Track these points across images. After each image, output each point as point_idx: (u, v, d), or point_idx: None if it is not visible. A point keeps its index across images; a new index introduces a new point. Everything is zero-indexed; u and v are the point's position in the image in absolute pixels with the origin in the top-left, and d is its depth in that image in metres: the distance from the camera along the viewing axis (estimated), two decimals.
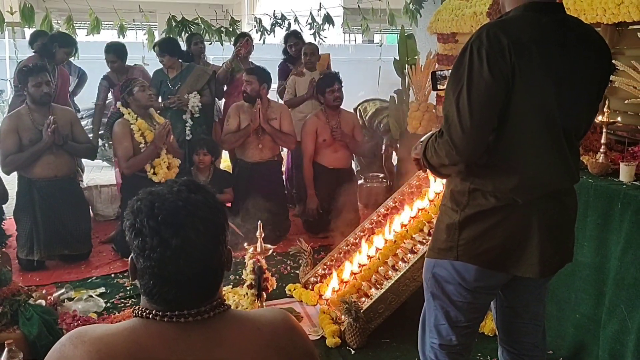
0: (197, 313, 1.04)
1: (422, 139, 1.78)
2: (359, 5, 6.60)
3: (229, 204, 4.51)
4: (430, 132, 1.74)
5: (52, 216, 3.80)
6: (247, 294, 2.89)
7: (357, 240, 3.51)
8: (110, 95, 5.17)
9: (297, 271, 3.64)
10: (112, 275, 3.75)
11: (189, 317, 1.04)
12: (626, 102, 2.36)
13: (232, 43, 5.59)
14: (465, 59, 1.55)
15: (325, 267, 3.49)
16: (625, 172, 2.46)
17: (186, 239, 1.01)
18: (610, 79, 2.42)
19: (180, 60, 4.80)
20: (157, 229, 1.00)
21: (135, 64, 5.22)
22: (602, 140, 2.64)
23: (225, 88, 5.20)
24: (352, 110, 5.38)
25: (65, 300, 3.15)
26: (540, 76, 1.55)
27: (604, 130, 2.65)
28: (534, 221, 1.64)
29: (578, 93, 1.62)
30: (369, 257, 3.30)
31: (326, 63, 5.36)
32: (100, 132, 5.36)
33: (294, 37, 5.22)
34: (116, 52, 4.89)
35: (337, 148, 4.55)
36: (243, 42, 4.96)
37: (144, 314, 1.05)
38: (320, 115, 4.55)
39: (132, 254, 1.06)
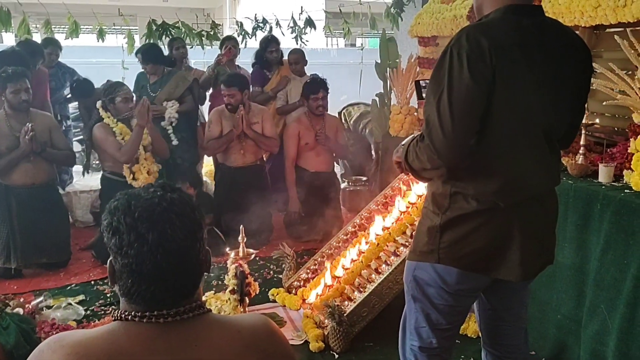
0: (175, 313, 1.05)
1: (403, 142, 1.78)
2: (340, 9, 6.62)
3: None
4: (412, 136, 1.74)
5: (29, 224, 3.73)
6: (229, 299, 2.87)
7: (340, 244, 3.51)
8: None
9: (281, 276, 3.62)
10: (92, 282, 3.69)
11: (167, 317, 1.04)
12: (604, 103, 2.39)
13: (216, 46, 5.57)
14: (446, 62, 1.54)
15: (308, 271, 3.48)
16: (604, 173, 2.48)
17: (163, 233, 1.02)
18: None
19: (165, 65, 4.77)
20: (133, 225, 1.01)
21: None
22: (581, 142, 2.66)
23: (210, 91, 5.17)
24: (337, 115, 5.39)
25: (44, 308, 3.09)
26: (521, 79, 1.55)
27: (583, 132, 2.68)
28: (515, 224, 1.64)
29: (559, 96, 1.62)
30: (352, 260, 3.29)
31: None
32: (79, 138, 5.29)
33: (274, 43, 5.16)
34: None
35: (319, 151, 4.54)
36: (225, 50, 4.94)
37: (123, 316, 1.05)
38: (303, 119, 4.55)
39: (110, 257, 1.06)
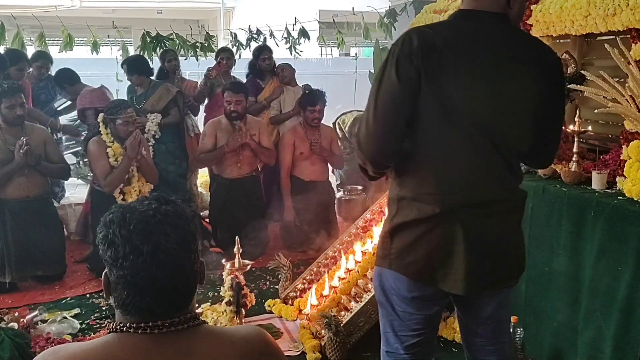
0: (170, 324, 1.05)
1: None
2: (334, 20, 6.66)
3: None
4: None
5: (24, 237, 3.72)
6: (225, 310, 2.86)
7: (336, 254, 3.50)
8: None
9: (277, 286, 3.61)
10: (87, 295, 3.68)
11: (162, 328, 1.05)
12: (595, 111, 2.41)
13: (210, 57, 5.59)
14: (384, 60, 1.58)
15: (304, 281, 3.47)
16: (597, 180, 2.50)
17: (157, 245, 1.03)
18: (580, 89, 2.48)
19: (151, 78, 4.77)
20: (128, 237, 1.03)
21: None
22: (574, 149, 2.68)
23: (206, 101, 5.18)
24: (331, 125, 5.41)
25: (39, 322, 3.08)
26: (448, 82, 1.52)
27: (576, 139, 2.70)
28: (458, 235, 1.58)
29: (510, 107, 1.57)
30: (348, 270, 3.29)
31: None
32: (75, 150, 5.28)
33: (267, 51, 5.20)
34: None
35: (314, 161, 4.55)
36: (215, 64, 4.95)
37: (118, 327, 1.05)
38: (298, 128, 4.56)
39: (105, 269, 1.07)
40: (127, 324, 1.05)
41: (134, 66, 4.69)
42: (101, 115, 3.95)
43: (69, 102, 5.22)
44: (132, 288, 1.03)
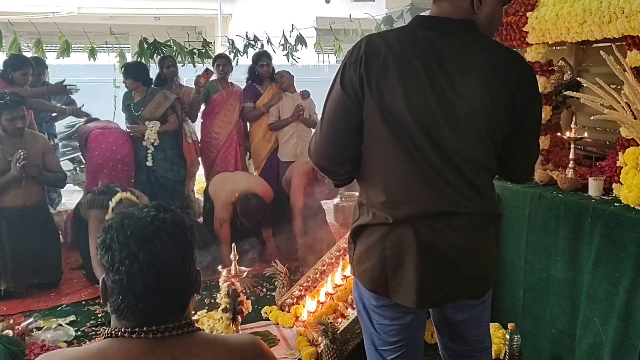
0: (165, 329, 1.06)
1: None
2: (331, 27, 6.68)
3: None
4: None
5: (20, 245, 3.70)
6: (222, 317, 2.84)
7: (333, 260, 3.49)
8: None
9: (274, 293, 3.60)
10: (83, 302, 3.66)
11: (157, 333, 1.06)
12: (592, 118, 2.41)
13: (208, 64, 5.59)
14: (338, 68, 1.58)
15: (301, 288, 3.46)
16: (593, 187, 2.50)
17: (153, 251, 1.05)
18: (576, 96, 2.49)
19: (150, 85, 4.79)
20: (125, 243, 1.05)
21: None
22: (571, 156, 2.68)
23: (202, 107, 5.19)
24: None
25: (34, 329, 3.06)
26: (391, 89, 1.48)
27: (572, 146, 2.70)
28: (411, 246, 1.53)
29: (464, 117, 1.49)
30: (345, 277, 3.28)
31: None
32: (71, 156, 5.27)
33: (266, 58, 5.23)
34: None
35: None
36: (203, 73, 4.98)
37: (113, 333, 1.07)
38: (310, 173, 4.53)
39: (102, 274, 1.09)
40: (122, 329, 1.06)
41: (130, 71, 4.71)
42: None
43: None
44: (128, 293, 1.05)
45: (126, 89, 4.79)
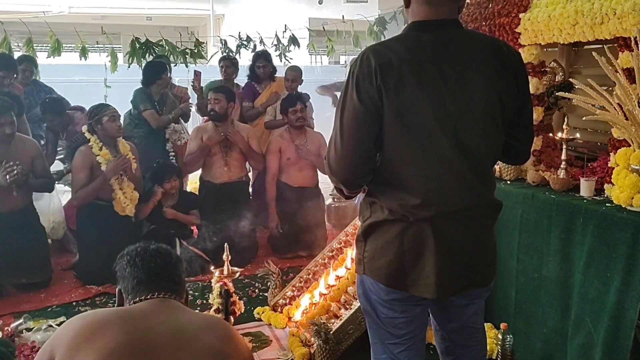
0: (171, 294, 1.58)
1: None
2: (323, 27, 6.69)
3: (194, 227, 4.44)
4: None
5: (6, 246, 3.64)
6: None
7: (325, 261, 3.49)
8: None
9: (266, 294, 3.59)
10: (74, 303, 3.62)
11: (165, 293, 1.56)
12: (584, 119, 2.42)
13: (201, 64, 5.60)
14: (345, 82, 1.59)
15: (294, 288, 3.45)
16: (585, 187, 2.51)
17: (157, 248, 1.64)
18: (568, 97, 2.50)
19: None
20: (135, 252, 1.62)
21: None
22: (562, 157, 2.70)
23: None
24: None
25: (24, 330, 3.02)
26: (411, 96, 1.53)
27: (564, 146, 2.71)
28: (430, 239, 1.59)
29: (470, 110, 1.56)
30: (338, 277, 3.28)
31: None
32: (60, 157, 5.21)
33: (263, 59, 5.22)
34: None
35: (302, 167, 4.54)
36: (194, 77, 4.98)
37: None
38: (285, 134, 4.56)
39: (118, 286, 1.60)
40: (137, 297, 1.53)
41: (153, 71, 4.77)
42: (84, 126, 3.92)
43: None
44: (143, 270, 1.56)
45: (137, 88, 4.77)
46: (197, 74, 4.93)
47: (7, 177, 3.49)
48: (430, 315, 1.85)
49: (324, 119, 6.11)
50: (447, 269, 1.61)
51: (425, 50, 1.55)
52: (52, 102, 4.72)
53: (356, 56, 1.60)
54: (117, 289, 1.58)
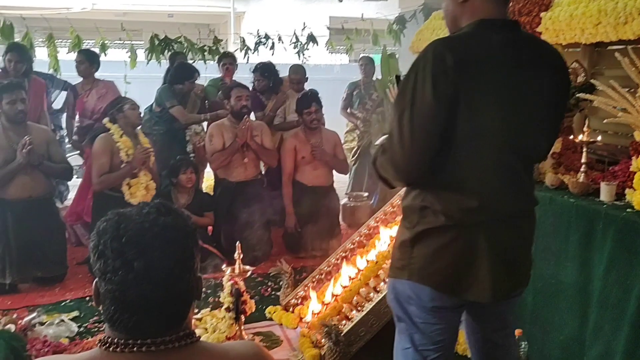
0: (161, 342, 1.00)
1: (377, 142, 1.76)
2: (343, 26, 6.65)
3: (209, 227, 4.44)
4: (385, 136, 1.68)
5: (25, 237, 3.69)
6: (225, 317, 2.82)
7: (338, 261, 3.45)
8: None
9: (278, 293, 3.57)
10: (87, 298, 3.63)
11: (152, 346, 0.99)
12: (605, 121, 2.36)
13: (215, 61, 5.59)
14: (411, 77, 1.52)
15: (306, 288, 3.42)
16: (606, 192, 2.44)
17: (150, 261, 0.96)
18: (589, 98, 2.43)
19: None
20: (120, 250, 0.96)
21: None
22: (583, 160, 2.62)
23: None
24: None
25: (37, 325, 3.04)
26: (486, 97, 1.51)
27: (584, 149, 2.64)
28: (483, 244, 1.58)
29: (532, 114, 1.58)
30: (350, 278, 3.24)
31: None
32: (74, 141, 5.20)
33: (259, 74, 5.02)
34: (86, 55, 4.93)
35: (317, 166, 4.51)
36: (224, 71, 4.97)
37: (106, 344, 1.00)
38: (300, 134, 4.54)
39: (95, 278, 1.02)
40: (116, 340, 0.99)
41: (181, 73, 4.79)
42: (105, 118, 3.96)
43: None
44: (120, 304, 0.97)
45: (162, 86, 4.81)
46: (229, 69, 4.99)
47: (24, 150, 3.56)
48: (467, 319, 1.84)
49: (341, 117, 6.09)
50: (501, 272, 1.62)
51: (497, 50, 1.54)
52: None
53: (424, 51, 1.52)
54: (93, 283, 1.04)
